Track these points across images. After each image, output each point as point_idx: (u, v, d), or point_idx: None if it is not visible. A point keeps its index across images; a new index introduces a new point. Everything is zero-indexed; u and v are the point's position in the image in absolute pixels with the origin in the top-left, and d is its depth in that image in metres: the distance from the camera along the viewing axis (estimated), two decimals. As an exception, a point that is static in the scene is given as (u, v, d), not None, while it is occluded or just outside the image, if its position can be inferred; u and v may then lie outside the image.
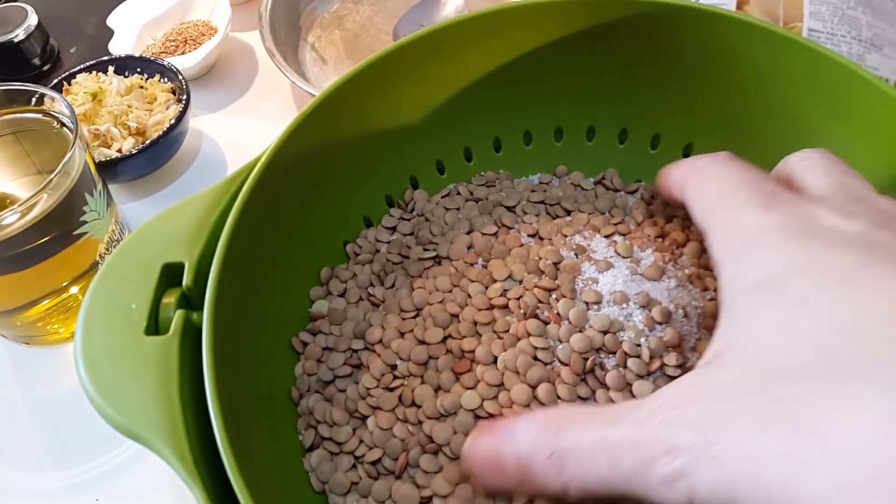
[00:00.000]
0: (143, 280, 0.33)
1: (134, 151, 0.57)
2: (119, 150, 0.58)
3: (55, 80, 0.62)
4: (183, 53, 0.69)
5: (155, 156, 0.59)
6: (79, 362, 0.30)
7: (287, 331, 0.38)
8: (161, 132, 0.58)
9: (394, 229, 0.43)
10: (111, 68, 0.63)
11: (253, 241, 0.34)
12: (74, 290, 0.50)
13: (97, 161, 0.56)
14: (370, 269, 0.40)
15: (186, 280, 0.33)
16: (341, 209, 0.42)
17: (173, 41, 0.70)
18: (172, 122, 0.58)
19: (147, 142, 0.57)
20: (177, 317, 0.31)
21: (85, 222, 0.48)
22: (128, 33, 0.70)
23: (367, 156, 0.42)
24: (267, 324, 0.37)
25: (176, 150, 0.61)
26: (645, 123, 0.45)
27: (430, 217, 0.42)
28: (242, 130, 0.65)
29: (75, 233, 0.48)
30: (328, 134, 0.38)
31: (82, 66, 0.63)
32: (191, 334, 0.32)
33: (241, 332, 0.34)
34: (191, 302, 0.33)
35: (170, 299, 0.33)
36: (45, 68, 0.73)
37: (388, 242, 0.42)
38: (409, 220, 0.43)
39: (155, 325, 0.32)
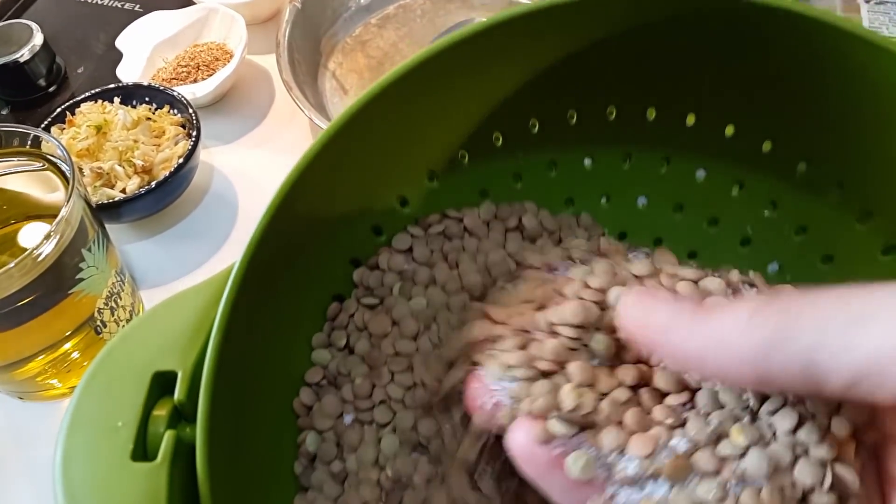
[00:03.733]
0: (131, 391, 0.29)
1: (139, 193, 0.54)
2: (123, 191, 0.55)
3: (58, 110, 0.58)
4: (195, 81, 0.65)
5: (161, 196, 0.56)
6: (57, 493, 0.27)
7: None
8: (168, 172, 0.54)
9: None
10: (117, 98, 0.59)
11: (248, 343, 0.30)
12: (67, 346, 0.47)
13: (99, 203, 0.53)
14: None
15: (179, 394, 0.29)
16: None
17: (185, 67, 0.66)
18: (181, 161, 0.55)
19: (153, 183, 0.54)
20: (167, 439, 0.28)
21: (81, 279, 0.45)
22: (137, 55, 0.66)
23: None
24: (273, 431, 0.33)
25: (185, 189, 0.58)
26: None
27: None
28: (256, 166, 0.61)
29: (71, 291, 0.44)
30: (329, 186, 0.33)
31: (87, 95, 0.59)
32: (183, 456, 0.28)
33: (241, 449, 0.30)
34: (184, 415, 0.29)
35: (161, 412, 0.29)
36: (52, 90, 0.69)
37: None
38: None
39: (143, 447, 0.28)
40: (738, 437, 0.23)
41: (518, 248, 0.37)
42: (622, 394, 0.25)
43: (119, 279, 0.49)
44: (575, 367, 0.25)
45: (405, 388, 0.35)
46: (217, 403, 0.28)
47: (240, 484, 0.31)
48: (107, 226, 0.55)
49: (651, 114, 0.37)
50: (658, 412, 0.24)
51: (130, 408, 0.29)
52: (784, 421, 0.23)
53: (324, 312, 0.36)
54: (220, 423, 0.29)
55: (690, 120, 0.37)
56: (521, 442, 0.24)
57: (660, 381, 0.25)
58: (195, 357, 0.30)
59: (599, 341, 0.26)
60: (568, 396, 0.24)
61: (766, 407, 0.23)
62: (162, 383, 0.30)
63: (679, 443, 0.23)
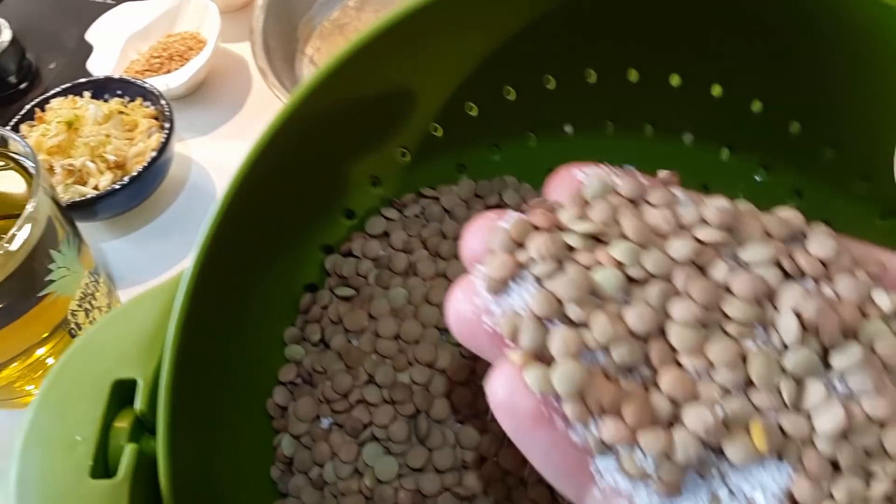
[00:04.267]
0: (90, 403, 0.27)
1: (113, 189, 0.52)
2: (96, 188, 0.53)
3: (27, 107, 0.56)
4: (168, 71, 0.63)
5: (136, 191, 0.54)
6: (11, 514, 0.25)
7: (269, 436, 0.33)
8: (142, 166, 0.52)
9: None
10: (87, 93, 0.57)
11: (212, 342, 0.29)
12: (41, 350, 0.45)
13: (71, 202, 0.51)
14: None
15: (140, 404, 0.27)
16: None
17: (158, 57, 0.64)
18: (154, 154, 0.53)
19: (127, 178, 0.52)
20: (128, 453, 0.26)
21: (52, 281, 0.43)
22: (109, 49, 0.64)
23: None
24: (250, 433, 0.32)
25: (160, 183, 0.56)
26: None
27: None
28: (235, 156, 0.59)
29: (40, 294, 0.42)
30: (297, 158, 0.31)
31: (57, 91, 0.57)
32: (146, 471, 0.26)
33: (213, 455, 0.29)
34: (147, 426, 0.28)
35: (123, 423, 0.27)
36: (23, 86, 0.67)
37: None
38: None
39: (104, 461, 0.27)
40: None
41: None
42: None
43: (93, 279, 0.47)
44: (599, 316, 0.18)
45: (385, 388, 0.33)
46: (180, 410, 0.27)
47: (212, 493, 0.29)
48: (82, 224, 0.54)
49: (632, 75, 0.35)
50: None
51: (89, 421, 0.27)
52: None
53: (296, 304, 0.35)
54: (186, 429, 0.27)
55: (675, 81, 0.35)
56: (504, 387, 0.19)
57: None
58: (156, 362, 0.28)
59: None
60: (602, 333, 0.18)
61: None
62: (123, 393, 0.28)
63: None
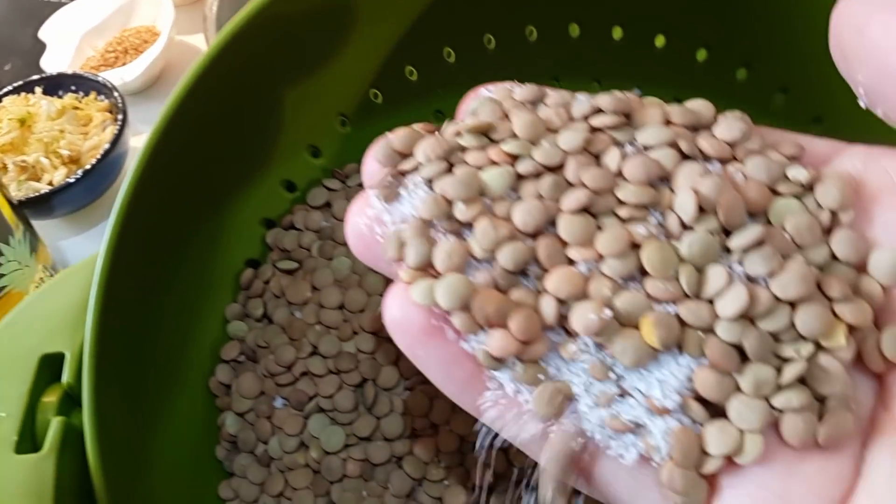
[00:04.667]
0: (16, 378, 0.27)
1: (67, 183, 0.51)
2: (50, 183, 0.52)
3: (-21, 107, 0.55)
4: (124, 64, 0.62)
5: (92, 185, 0.53)
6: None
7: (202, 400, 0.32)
8: (96, 159, 0.52)
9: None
10: (39, 89, 0.56)
11: (143, 317, 0.28)
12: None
13: (26, 198, 0.50)
14: None
15: (67, 376, 0.27)
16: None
17: (112, 52, 0.63)
18: (108, 146, 0.52)
19: (80, 171, 0.51)
20: (55, 426, 0.26)
21: (2, 275, 0.42)
22: (64, 46, 0.63)
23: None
24: (194, 412, 0.31)
25: (117, 175, 0.55)
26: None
27: None
28: (193, 147, 0.59)
29: (-7, 288, 0.42)
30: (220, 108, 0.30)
31: (8, 89, 0.56)
32: (74, 443, 0.26)
33: (150, 434, 0.28)
34: (77, 400, 0.27)
35: (51, 398, 0.27)
36: (-21, 89, 0.66)
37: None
38: None
39: (31, 437, 0.26)
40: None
41: None
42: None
43: (49, 275, 0.47)
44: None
45: (330, 358, 0.32)
46: (110, 383, 0.26)
47: (148, 469, 0.28)
48: (41, 222, 0.53)
49: (574, 30, 0.34)
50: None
51: (15, 397, 0.26)
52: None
53: (237, 280, 0.34)
54: (116, 403, 0.26)
55: (617, 34, 0.34)
56: (397, 306, 0.18)
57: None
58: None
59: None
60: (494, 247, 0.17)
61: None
62: (52, 367, 0.27)
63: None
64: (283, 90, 0.31)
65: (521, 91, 0.19)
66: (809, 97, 0.33)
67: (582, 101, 0.18)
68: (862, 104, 0.17)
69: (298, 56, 0.31)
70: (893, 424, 0.16)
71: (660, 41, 0.34)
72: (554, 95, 0.19)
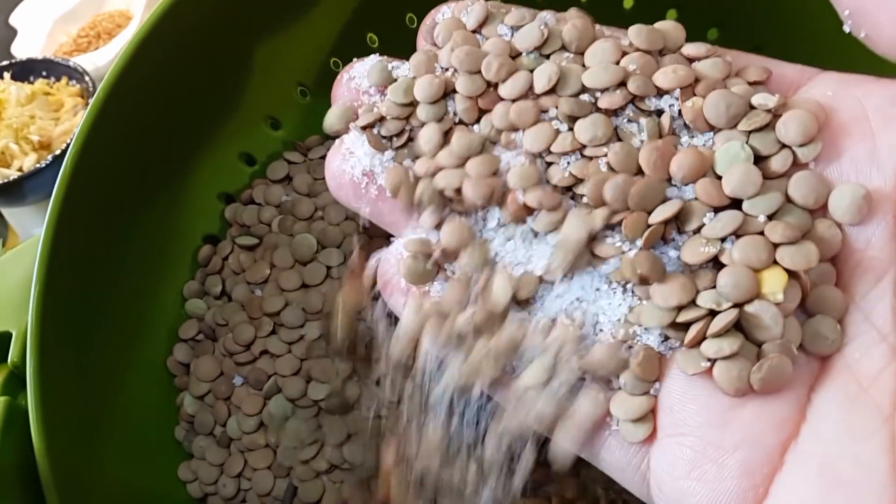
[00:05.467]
0: (-40, 359, 0.26)
1: (37, 168, 0.50)
2: (20, 169, 0.51)
3: (-53, 94, 0.54)
4: (97, 48, 0.61)
5: (63, 171, 0.52)
6: None
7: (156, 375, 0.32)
8: (66, 143, 0.51)
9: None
10: (7, 74, 0.55)
11: (92, 294, 0.27)
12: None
13: (-5, 184, 0.49)
14: None
15: (13, 355, 0.26)
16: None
17: (85, 37, 0.62)
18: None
19: (51, 156, 0.50)
20: (-2, 406, 0.25)
21: (-34, 261, 0.41)
22: (35, 32, 0.63)
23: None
24: (153, 393, 0.30)
25: (90, 161, 0.54)
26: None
27: None
28: (167, 131, 0.58)
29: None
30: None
31: (-24, 76, 0.55)
32: (19, 423, 0.25)
33: (103, 415, 0.27)
34: (23, 379, 0.26)
35: (-4, 378, 0.26)
36: (-51, 78, 0.65)
37: None
38: None
39: (-25, 418, 0.25)
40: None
41: None
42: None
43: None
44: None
45: (291, 338, 0.31)
46: (56, 361, 0.25)
47: (101, 452, 0.27)
48: (14, 210, 0.52)
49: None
50: None
51: (-42, 378, 0.25)
52: None
53: (195, 257, 0.33)
54: (62, 385, 0.25)
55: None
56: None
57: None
58: (30, 314, 0.26)
59: None
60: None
61: None
62: (-1, 347, 0.26)
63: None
64: (241, 55, 0.30)
65: None
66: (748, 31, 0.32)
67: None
68: (846, 28, 0.17)
69: (257, 18, 0.30)
70: (845, 366, 0.16)
71: (628, 3, 0.33)
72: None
